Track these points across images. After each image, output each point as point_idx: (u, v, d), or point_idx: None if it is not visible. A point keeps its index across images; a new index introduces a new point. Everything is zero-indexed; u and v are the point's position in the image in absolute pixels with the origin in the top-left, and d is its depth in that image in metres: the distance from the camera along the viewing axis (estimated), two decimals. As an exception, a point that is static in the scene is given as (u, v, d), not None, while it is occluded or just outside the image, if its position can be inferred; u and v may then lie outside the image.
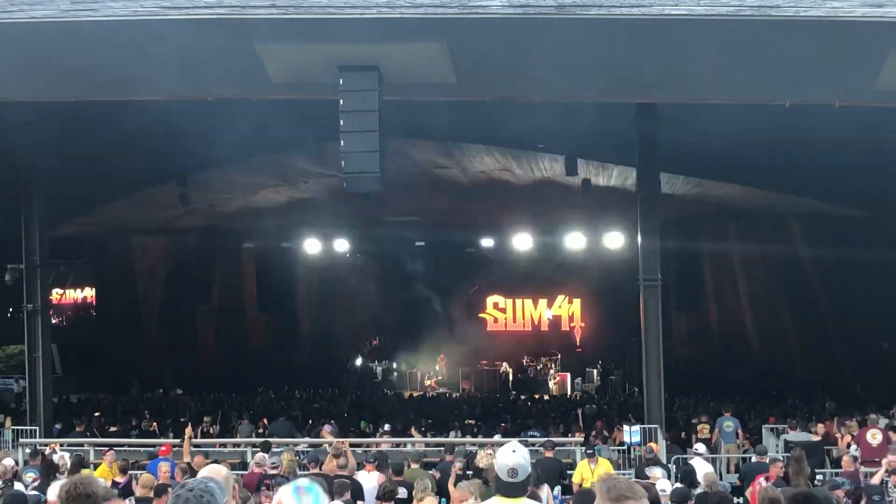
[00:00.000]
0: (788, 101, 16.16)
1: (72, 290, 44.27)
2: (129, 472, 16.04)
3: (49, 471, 14.54)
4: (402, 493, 13.64)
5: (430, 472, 15.71)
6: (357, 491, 13.27)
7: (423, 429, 25.78)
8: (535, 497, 12.59)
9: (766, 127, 21.07)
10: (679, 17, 13.37)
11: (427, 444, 20.79)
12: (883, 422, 20.83)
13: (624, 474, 17.51)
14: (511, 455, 6.38)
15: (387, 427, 24.78)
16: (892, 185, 23.82)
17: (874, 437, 18.46)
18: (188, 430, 19.26)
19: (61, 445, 19.58)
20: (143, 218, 35.60)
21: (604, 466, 16.75)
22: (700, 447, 18.57)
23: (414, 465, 15.63)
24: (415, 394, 39.63)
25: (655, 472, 14.77)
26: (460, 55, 14.48)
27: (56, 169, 25.76)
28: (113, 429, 25.88)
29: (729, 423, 22.39)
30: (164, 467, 14.47)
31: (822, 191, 29.38)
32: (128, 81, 15.71)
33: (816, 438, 20.34)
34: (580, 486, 15.78)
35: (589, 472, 16.29)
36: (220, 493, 4.77)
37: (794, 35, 13.74)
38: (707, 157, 25.67)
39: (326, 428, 22.35)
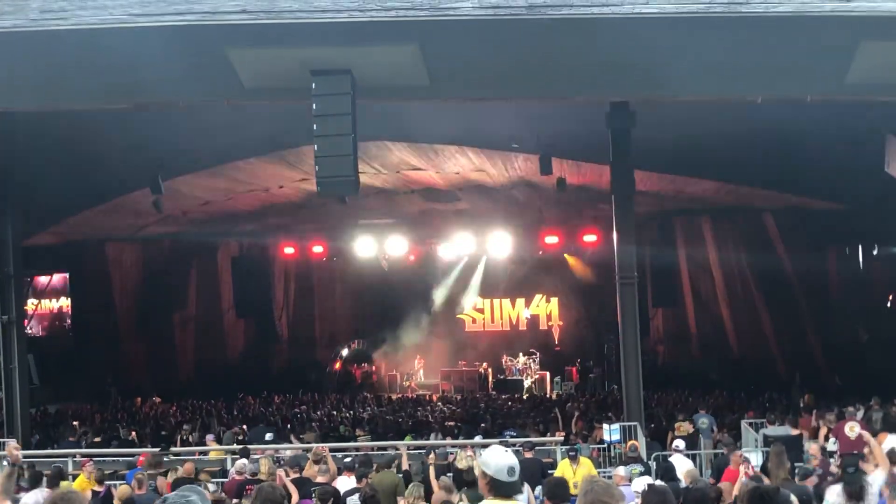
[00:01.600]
0: (760, 96, 16.23)
1: (47, 300, 44.00)
2: (107, 482, 15.94)
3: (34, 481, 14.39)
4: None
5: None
6: (338, 498, 13.22)
7: (366, 429, 25.93)
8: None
9: (739, 122, 21.18)
10: (650, 15, 13.40)
11: (408, 448, 20.73)
12: (860, 414, 20.92)
13: (604, 473, 17.55)
14: (506, 455, 6.42)
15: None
16: (865, 177, 23.95)
17: (852, 429, 18.48)
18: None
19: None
20: (117, 225, 35.43)
21: (585, 466, 16.77)
22: (679, 443, 18.62)
23: (386, 470, 15.56)
24: (394, 396, 39.58)
25: (619, 472, 14.88)
26: (433, 57, 14.46)
27: (28, 178, 25.60)
28: (96, 439, 25.72)
29: (704, 420, 22.55)
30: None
31: (796, 184, 29.54)
32: (99, 89, 15.62)
33: (795, 432, 20.41)
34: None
35: (570, 471, 16.30)
36: (201, 507, 4.74)
37: (765, 31, 13.79)
38: (681, 153, 25.76)
39: (209, 437, 22.55)
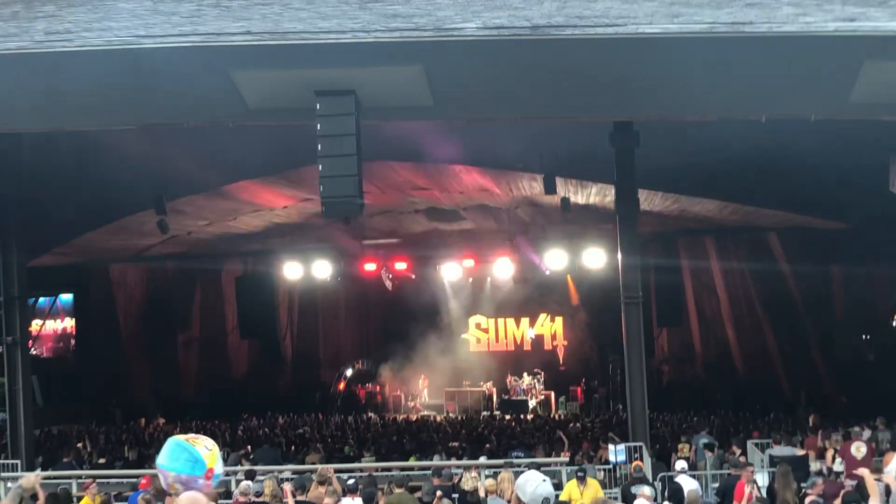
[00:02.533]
0: (764, 115, 16.24)
1: (51, 321, 44.00)
2: (112, 504, 15.88)
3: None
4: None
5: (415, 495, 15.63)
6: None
7: (371, 449, 25.90)
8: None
9: (743, 142, 21.18)
10: (654, 35, 13.41)
11: (413, 468, 20.68)
12: (866, 434, 20.85)
13: (610, 494, 17.48)
14: (544, 485, 6.34)
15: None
16: (869, 196, 23.96)
17: (858, 449, 18.46)
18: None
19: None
20: (121, 246, 35.47)
21: (593, 487, 16.68)
22: (681, 464, 18.58)
23: (398, 490, 15.52)
24: (399, 417, 39.49)
25: (645, 491, 14.75)
26: (437, 78, 14.49)
27: (33, 199, 25.63)
28: (101, 460, 25.62)
29: (705, 441, 22.50)
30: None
31: (800, 204, 29.54)
32: (104, 111, 15.67)
33: (801, 452, 20.35)
34: (568, 505, 15.70)
35: (578, 492, 16.21)
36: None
37: (769, 51, 13.80)
38: (685, 173, 25.78)
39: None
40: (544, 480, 6.43)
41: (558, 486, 18.32)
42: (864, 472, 13.22)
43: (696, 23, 13.54)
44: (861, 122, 16.79)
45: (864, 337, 36.30)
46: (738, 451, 21.09)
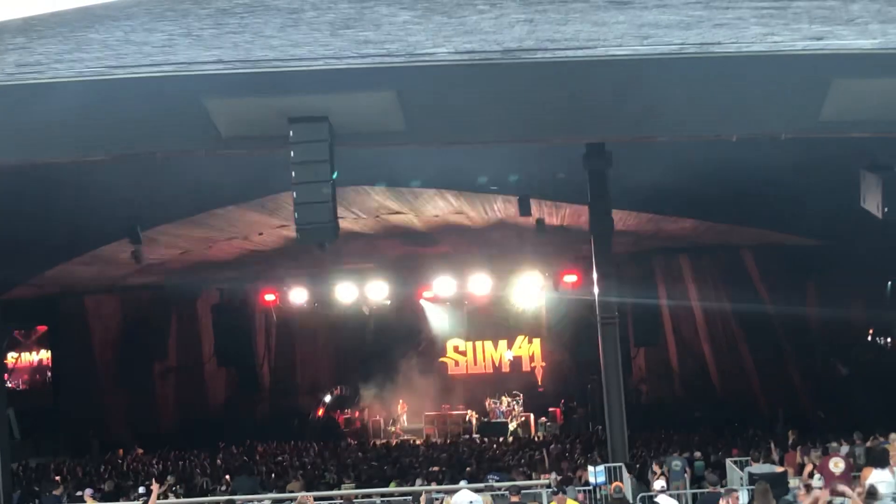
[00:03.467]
0: (735, 135, 16.35)
1: (27, 353, 43.69)
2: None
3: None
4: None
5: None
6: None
7: (351, 476, 25.77)
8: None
9: (715, 161, 21.27)
10: (623, 57, 13.51)
11: (393, 494, 20.61)
12: (844, 449, 20.93)
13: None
14: (466, 494, 6.42)
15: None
16: (842, 212, 24.08)
17: (836, 465, 18.52)
18: (155, 487, 18.71)
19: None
20: (96, 277, 35.27)
21: (572, 508, 16.69)
22: (660, 483, 18.59)
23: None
24: (379, 442, 39.35)
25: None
26: (409, 103, 14.53)
27: (5, 231, 25.46)
28: (78, 493, 25.38)
29: (677, 463, 22.55)
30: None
31: (773, 221, 29.69)
32: (76, 142, 15.61)
33: (780, 469, 20.39)
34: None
35: None
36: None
37: (738, 70, 13.93)
38: (658, 192, 25.87)
39: (87, 492, 22.31)
40: (471, 502, 6.50)
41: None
42: (845, 489, 13.21)
43: (665, 44, 13.65)
44: (832, 140, 16.94)
45: (839, 353, 36.46)
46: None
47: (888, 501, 14.62)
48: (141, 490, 22.48)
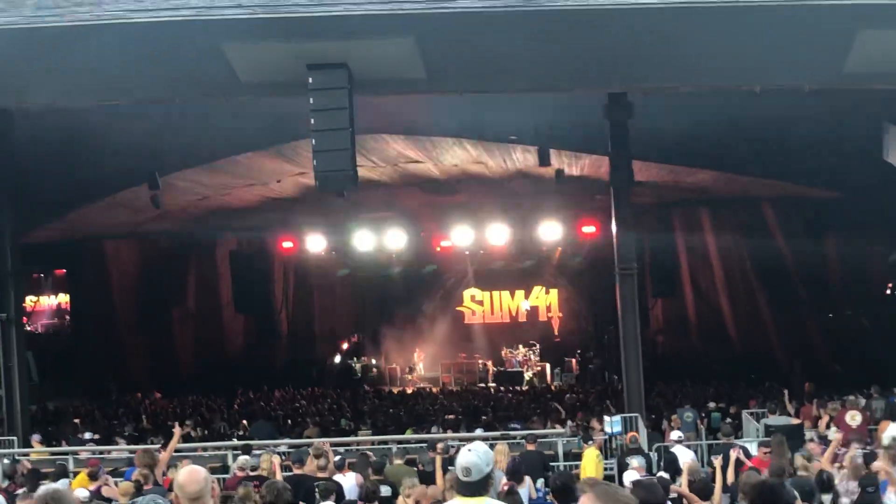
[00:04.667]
0: (759, 86, 16.21)
1: (46, 297, 43.96)
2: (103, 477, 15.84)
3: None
4: (385, 490, 13.60)
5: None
6: (340, 493, 13.21)
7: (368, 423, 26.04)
8: (512, 491, 12.62)
9: (738, 112, 21.13)
10: (647, 5, 13.37)
11: (410, 441, 20.74)
12: (861, 402, 20.95)
13: (606, 465, 17.58)
14: (466, 454, 6.43)
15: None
16: (861, 165, 23.93)
17: (853, 418, 18.57)
18: (177, 430, 18.77)
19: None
20: (115, 222, 35.35)
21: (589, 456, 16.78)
22: (676, 434, 18.68)
23: (398, 462, 15.59)
24: (395, 390, 39.56)
25: (634, 462, 14.79)
26: (429, 50, 14.44)
27: (26, 175, 25.53)
28: (96, 436, 25.65)
29: (689, 414, 22.67)
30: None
31: (793, 173, 29.48)
32: (95, 86, 15.60)
33: (796, 421, 20.42)
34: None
35: (594, 465, 16.29)
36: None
37: (763, 20, 13.77)
38: (679, 144, 25.72)
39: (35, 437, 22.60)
40: (469, 450, 6.48)
41: (554, 458, 18.49)
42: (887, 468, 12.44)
43: (689, -8, 13.50)
44: (855, 92, 16.78)
45: (858, 306, 36.33)
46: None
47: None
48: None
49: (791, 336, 36.73)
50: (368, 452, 17.11)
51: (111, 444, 23.52)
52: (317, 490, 12.89)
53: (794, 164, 27.72)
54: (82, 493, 12.59)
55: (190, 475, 6.39)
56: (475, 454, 6.45)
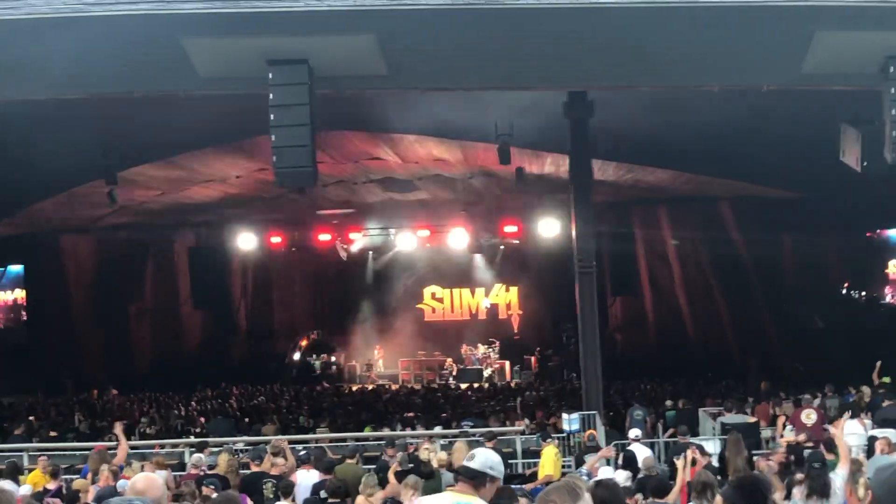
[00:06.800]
0: (717, 85, 16.31)
1: (1, 292, 43.48)
2: (62, 476, 15.71)
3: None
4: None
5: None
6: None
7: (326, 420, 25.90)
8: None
9: (696, 112, 21.26)
10: (608, 4, 13.41)
11: (368, 439, 20.72)
12: (816, 401, 21.14)
13: (564, 462, 17.63)
14: (483, 449, 6.49)
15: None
16: (819, 165, 24.13)
17: (808, 416, 18.72)
18: (117, 426, 18.40)
19: None
20: (71, 217, 35.06)
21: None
22: (635, 432, 18.77)
23: (350, 461, 15.53)
24: (354, 387, 39.47)
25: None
26: (390, 47, 14.39)
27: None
28: (52, 433, 25.38)
29: (638, 412, 22.80)
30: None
31: (751, 173, 29.72)
32: (52, 80, 15.41)
33: (752, 419, 20.59)
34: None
35: (552, 462, 16.27)
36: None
37: (722, 20, 13.85)
38: (638, 143, 25.85)
39: None
40: (486, 448, 6.59)
41: (513, 456, 18.53)
42: (836, 434, 12.86)
43: (649, -8, 13.54)
44: (813, 92, 16.91)
45: (814, 305, 36.68)
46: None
47: (858, 452, 14.74)
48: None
49: (748, 334, 37.04)
50: (325, 448, 17.10)
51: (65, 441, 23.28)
52: (265, 487, 12.85)
53: (753, 164, 27.93)
54: (26, 489, 12.50)
55: (148, 482, 6.40)
56: (491, 452, 6.50)
